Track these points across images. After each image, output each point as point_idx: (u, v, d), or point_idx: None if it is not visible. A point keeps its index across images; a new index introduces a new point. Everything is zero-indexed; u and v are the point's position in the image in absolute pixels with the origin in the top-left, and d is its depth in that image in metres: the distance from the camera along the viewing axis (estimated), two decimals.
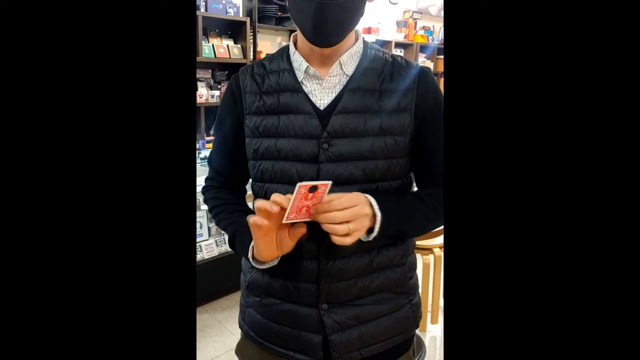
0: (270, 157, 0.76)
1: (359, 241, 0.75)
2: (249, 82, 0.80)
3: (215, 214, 0.87)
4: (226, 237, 2.68)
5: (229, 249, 2.55)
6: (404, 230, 0.76)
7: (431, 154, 0.78)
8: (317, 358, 0.78)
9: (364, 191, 0.71)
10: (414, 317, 0.85)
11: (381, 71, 0.77)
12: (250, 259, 0.75)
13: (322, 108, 0.76)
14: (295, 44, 0.80)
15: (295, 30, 0.78)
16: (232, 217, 0.83)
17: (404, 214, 0.75)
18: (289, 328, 0.79)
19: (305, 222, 0.74)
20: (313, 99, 0.76)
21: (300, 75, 0.77)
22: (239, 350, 0.91)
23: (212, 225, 2.51)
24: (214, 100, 3.20)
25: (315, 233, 0.74)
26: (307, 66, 0.76)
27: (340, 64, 0.76)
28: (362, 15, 0.74)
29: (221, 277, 2.47)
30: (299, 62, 0.78)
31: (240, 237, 0.78)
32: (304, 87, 0.77)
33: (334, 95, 0.76)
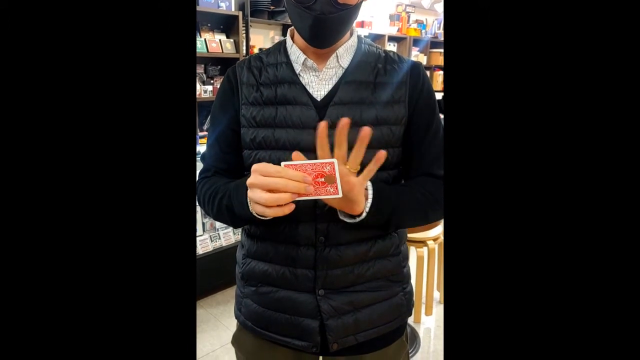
0: (267, 146, 0.77)
1: (356, 230, 0.77)
2: (245, 74, 0.81)
3: (207, 196, 0.81)
4: (221, 232, 2.64)
5: (224, 244, 2.57)
6: (394, 214, 0.73)
7: (420, 143, 0.80)
8: (314, 343, 0.79)
9: None
10: (407, 305, 0.87)
11: (375, 65, 0.80)
12: (254, 212, 0.69)
13: (319, 99, 0.78)
14: (292, 37, 0.82)
15: (289, 25, 0.79)
16: (222, 186, 0.79)
17: (396, 199, 0.74)
18: (286, 315, 0.80)
19: (303, 211, 0.75)
20: (310, 91, 0.78)
21: (297, 68, 0.79)
22: (235, 341, 0.92)
23: (207, 220, 2.51)
24: (207, 95, 3.19)
25: (313, 220, 0.76)
26: (305, 58, 0.78)
27: (337, 56, 0.79)
28: (356, 17, 0.77)
29: (216, 272, 2.47)
30: (296, 54, 0.80)
31: (236, 193, 0.73)
32: (301, 79, 0.79)
33: (330, 87, 0.78)
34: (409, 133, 0.80)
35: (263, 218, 0.69)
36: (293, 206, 0.64)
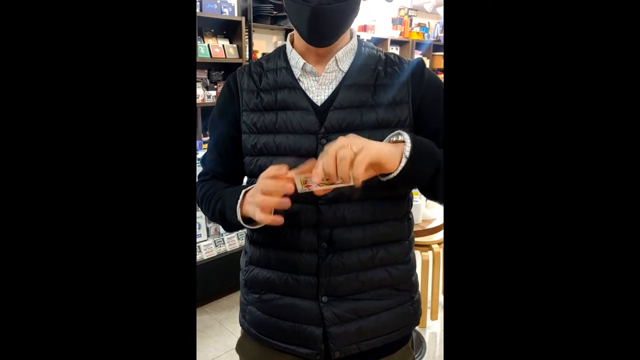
0: (268, 152, 0.77)
1: (360, 236, 0.76)
2: (246, 80, 0.81)
3: (204, 198, 0.82)
4: (225, 237, 2.64)
5: (228, 249, 2.57)
6: (432, 170, 0.70)
7: (435, 137, 0.77)
8: (318, 351, 0.78)
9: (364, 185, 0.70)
10: (415, 314, 0.86)
11: (375, 68, 0.79)
12: (240, 220, 0.72)
13: (319, 104, 0.77)
14: (292, 42, 0.81)
15: (291, 30, 0.79)
16: (219, 190, 0.81)
17: (433, 152, 0.71)
18: (289, 322, 0.80)
19: (305, 217, 0.75)
20: (310, 95, 0.78)
21: (297, 73, 0.79)
22: (239, 347, 0.91)
23: (211, 225, 2.51)
24: (211, 100, 3.20)
25: (315, 225, 0.75)
26: (304, 63, 0.78)
27: (336, 60, 0.78)
28: (356, 15, 0.76)
29: (220, 278, 2.47)
30: (295, 59, 0.79)
31: (229, 198, 0.75)
32: (301, 84, 0.79)
33: (330, 92, 0.78)
34: (422, 126, 0.77)
35: (252, 227, 0.71)
36: (281, 218, 0.65)
